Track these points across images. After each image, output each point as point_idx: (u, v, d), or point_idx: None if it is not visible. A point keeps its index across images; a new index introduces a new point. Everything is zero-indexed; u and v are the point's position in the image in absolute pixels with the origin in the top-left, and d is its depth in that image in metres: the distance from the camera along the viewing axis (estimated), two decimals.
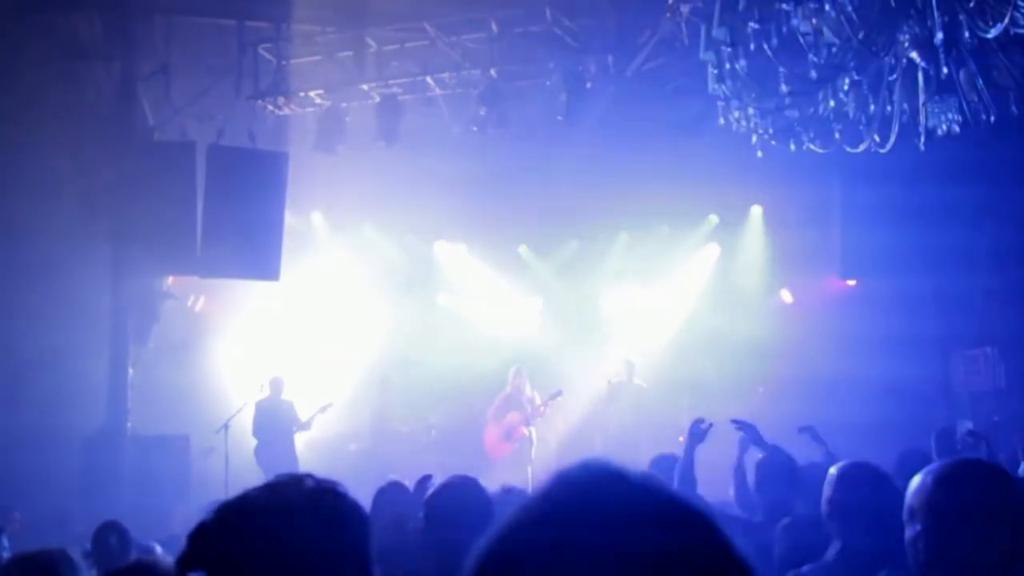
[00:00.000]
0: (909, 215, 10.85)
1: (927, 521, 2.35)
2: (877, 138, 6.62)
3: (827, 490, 3.30)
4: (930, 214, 10.76)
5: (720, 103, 7.00)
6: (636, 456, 11.43)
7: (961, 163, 9.95)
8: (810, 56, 5.61)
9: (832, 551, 3.22)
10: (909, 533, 2.41)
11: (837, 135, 6.79)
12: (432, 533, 3.11)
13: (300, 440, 11.58)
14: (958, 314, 11.52)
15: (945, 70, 5.02)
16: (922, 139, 6.31)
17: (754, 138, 6.87)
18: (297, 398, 11.64)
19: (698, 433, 5.48)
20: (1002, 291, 10.98)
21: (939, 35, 4.78)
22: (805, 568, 3.20)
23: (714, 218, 13.93)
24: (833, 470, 3.38)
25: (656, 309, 14.08)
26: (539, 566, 0.87)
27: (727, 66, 6.05)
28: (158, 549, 4.84)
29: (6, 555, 4.69)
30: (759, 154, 8.39)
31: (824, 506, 3.30)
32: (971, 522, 2.28)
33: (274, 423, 11.29)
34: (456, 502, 3.14)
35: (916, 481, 2.44)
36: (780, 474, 4.61)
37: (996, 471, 2.50)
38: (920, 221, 10.81)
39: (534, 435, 12.13)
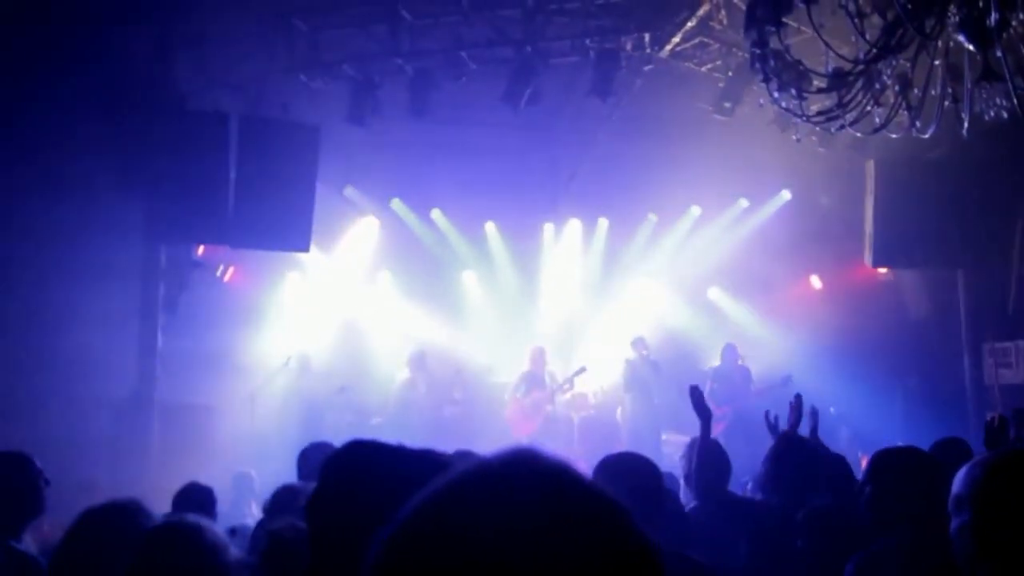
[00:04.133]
0: (942, 204, 10.69)
1: (976, 512, 2.31)
2: (919, 124, 6.51)
3: None
4: (963, 203, 10.60)
5: (759, 83, 6.89)
6: (652, 436, 11.47)
7: (996, 151, 9.77)
8: (856, 39, 5.51)
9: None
10: (955, 523, 2.37)
11: (877, 120, 6.69)
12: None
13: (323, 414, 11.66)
14: (989, 306, 11.37)
15: (999, 54, 4.90)
16: (965, 125, 6.20)
17: (795, 120, 6.75)
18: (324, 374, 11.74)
19: (702, 408, 4.50)
20: None
21: (994, 15, 4.67)
22: None
23: (744, 202, 13.83)
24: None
25: (679, 289, 14.03)
26: (429, 557, 0.85)
27: (770, 46, 5.95)
28: None
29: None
30: (794, 138, 8.29)
31: None
32: (1022, 514, 2.23)
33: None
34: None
35: (964, 471, 2.40)
36: (798, 460, 4.45)
37: None
38: (953, 210, 10.65)
39: (556, 412, 12.17)
